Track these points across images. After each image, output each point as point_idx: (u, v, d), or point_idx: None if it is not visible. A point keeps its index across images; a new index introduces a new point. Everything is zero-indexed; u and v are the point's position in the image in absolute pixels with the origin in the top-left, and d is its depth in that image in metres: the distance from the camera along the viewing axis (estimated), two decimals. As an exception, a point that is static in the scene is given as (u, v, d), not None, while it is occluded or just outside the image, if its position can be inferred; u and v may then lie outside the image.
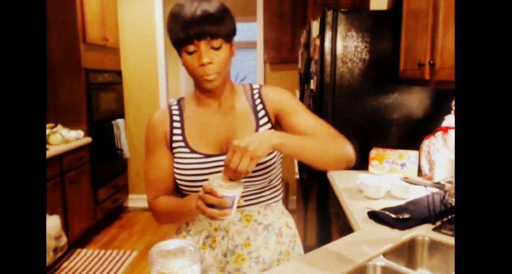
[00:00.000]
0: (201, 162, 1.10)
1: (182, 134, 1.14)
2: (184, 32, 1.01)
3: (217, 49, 1.04)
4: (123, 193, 4.22)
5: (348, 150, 1.09)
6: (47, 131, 3.12)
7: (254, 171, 1.08)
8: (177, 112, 1.17)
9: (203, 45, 1.02)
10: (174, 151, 1.14)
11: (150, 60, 4.22)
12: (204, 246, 1.14)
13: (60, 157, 3.03)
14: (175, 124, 1.15)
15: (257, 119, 1.14)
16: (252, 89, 1.20)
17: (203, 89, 1.12)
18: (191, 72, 1.07)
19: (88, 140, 3.45)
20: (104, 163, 3.75)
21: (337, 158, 1.07)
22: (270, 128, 1.14)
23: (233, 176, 0.92)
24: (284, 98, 1.17)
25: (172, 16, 1.05)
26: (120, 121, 3.96)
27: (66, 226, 3.08)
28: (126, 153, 4.03)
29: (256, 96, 1.18)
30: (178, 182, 1.13)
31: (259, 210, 1.15)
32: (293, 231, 1.23)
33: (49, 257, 2.69)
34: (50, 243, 2.68)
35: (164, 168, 1.15)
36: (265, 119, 1.15)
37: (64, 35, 3.32)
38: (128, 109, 4.29)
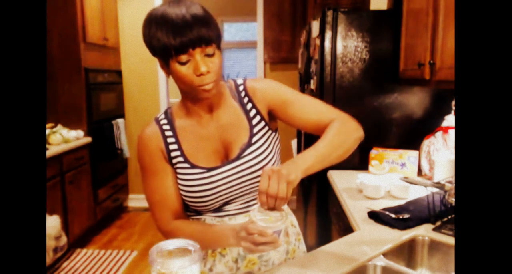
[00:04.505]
0: (204, 177, 1.05)
1: (179, 148, 1.07)
2: (176, 40, 0.92)
3: (211, 56, 0.96)
4: (123, 192, 4.22)
5: (357, 126, 1.06)
6: (47, 131, 3.11)
7: (260, 174, 1.07)
8: (167, 126, 1.09)
9: (197, 53, 0.94)
10: (175, 166, 1.07)
11: (150, 60, 4.21)
12: (214, 254, 1.10)
13: (60, 156, 3.03)
14: (169, 139, 1.07)
15: (249, 119, 1.09)
16: (237, 86, 1.12)
17: (198, 100, 1.05)
18: (186, 83, 0.97)
19: (88, 139, 3.45)
20: (104, 163, 3.75)
21: (354, 141, 1.03)
22: (264, 126, 1.10)
23: (274, 204, 0.86)
24: (273, 89, 1.11)
25: (154, 23, 0.94)
26: (120, 121, 3.96)
27: (66, 226, 3.08)
28: (126, 152, 4.03)
29: (242, 93, 1.11)
30: (185, 199, 1.08)
31: None
32: (297, 229, 1.22)
33: (49, 257, 2.69)
34: (50, 243, 2.68)
35: (170, 186, 1.07)
36: (258, 118, 1.10)
37: (64, 35, 3.32)
38: (128, 109, 4.29)
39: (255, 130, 1.09)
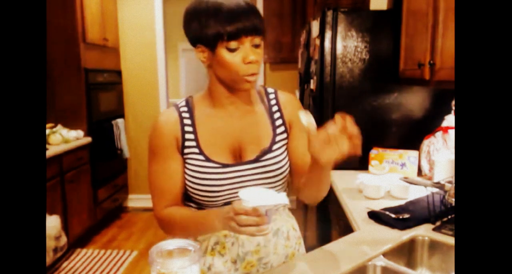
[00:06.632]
0: (218, 172, 1.03)
1: (195, 139, 1.05)
2: (231, 26, 0.92)
3: (257, 47, 0.98)
4: (123, 193, 4.22)
5: None
6: (47, 131, 3.12)
7: (272, 181, 1.07)
8: (187, 114, 1.07)
9: (248, 41, 0.95)
10: (186, 156, 1.05)
11: (150, 60, 4.22)
12: (213, 252, 1.09)
13: (60, 156, 3.03)
14: (187, 128, 1.06)
15: (274, 128, 1.10)
16: (267, 93, 1.14)
17: (233, 90, 1.04)
18: (232, 70, 0.97)
19: (88, 139, 3.45)
20: (104, 163, 3.75)
21: (327, 191, 1.09)
22: (286, 138, 1.11)
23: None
24: (298, 109, 1.12)
25: (206, 12, 0.95)
26: (120, 121, 3.96)
27: (66, 226, 3.07)
28: (126, 153, 4.03)
29: (273, 102, 1.12)
30: (192, 190, 1.06)
31: None
32: (298, 233, 1.21)
33: (49, 257, 2.69)
34: (50, 243, 2.68)
35: (174, 174, 1.05)
36: (282, 128, 1.11)
37: (64, 35, 3.32)
38: (128, 109, 4.29)
39: (277, 138, 1.10)
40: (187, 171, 1.06)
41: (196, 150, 1.05)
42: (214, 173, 1.03)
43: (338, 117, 0.89)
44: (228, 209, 0.89)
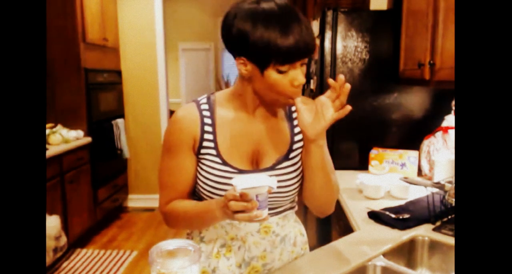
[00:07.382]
0: (233, 178, 0.97)
1: (214, 140, 1.01)
2: (290, 49, 0.86)
3: (303, 65, 0.93)
4: (123, 193, 4.22)
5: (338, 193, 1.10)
6: (47, 131, 3.11)
7: (286, 190, 1.05)
8: (207, 113, 1.02)
9: (299, 63, 0.90)
10: (202, 157, 1.02)
11: (150, 60, 4.22)
12: (218, 255, 1.08)
13: (60, 157, 3.03)
14: (206, 128, 1.01)
15: (293, 135, 1.08)
16: None
17: (274, 107, 1.02)
18: (276, 91, 0.93)
19: (88, 139, 3.45)
20: (104, 163, 3.75)
21: (335, 197, 1.08)
22: (302, 146, 1.07)
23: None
24: None
25: (262, 23, 0.86)
26: (120, 121, 3.96)
27: (66, 226, 3.08)
28: (126, 153, 4.03)
29: (293, 108, 1.09)
30: (204, 192, 1.03)
31: (278, 221, 1.09)
32: (305, 238, 1.19)
33: (49, 257, 2.69)
34: (50, 243, 2.68)
35: (186, 172, 1.03)
36: (300, 136, 1.07)
37: (64, 35, 3.32)
38: (128, 109, 4.29)
39: (294, 146, 1.07)
40: (201, 172, 1.03)
41: (214, 152, 1.02)
42: (230, 178, 1.00)
43: (330, 80, 0.91)
44: (224, 197, 0.89)
